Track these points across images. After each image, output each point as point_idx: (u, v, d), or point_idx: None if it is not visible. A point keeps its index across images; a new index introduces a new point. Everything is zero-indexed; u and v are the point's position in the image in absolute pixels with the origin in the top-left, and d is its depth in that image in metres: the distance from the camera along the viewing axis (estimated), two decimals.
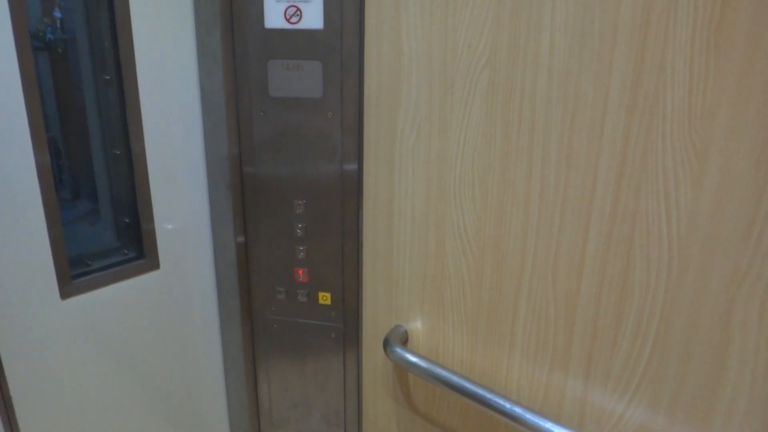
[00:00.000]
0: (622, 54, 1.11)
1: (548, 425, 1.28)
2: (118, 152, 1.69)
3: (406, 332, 1.62)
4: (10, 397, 1.50)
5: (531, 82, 1.23)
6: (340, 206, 1.61)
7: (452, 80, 1.34)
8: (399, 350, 1.52)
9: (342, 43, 1.49)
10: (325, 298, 1.73)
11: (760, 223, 1.04)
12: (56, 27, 1.62)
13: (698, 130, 1.06)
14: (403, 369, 1.62)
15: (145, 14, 1.53)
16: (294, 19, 1.51)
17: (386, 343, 1.55)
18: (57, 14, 1.61)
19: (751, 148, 1.02)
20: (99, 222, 1.81)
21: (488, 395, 1.37)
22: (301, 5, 1.50)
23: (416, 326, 1.60)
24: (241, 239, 1.73)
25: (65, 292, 1.55)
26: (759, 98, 1.01)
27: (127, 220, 1.76)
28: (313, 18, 1.50)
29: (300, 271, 1.72)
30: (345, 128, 1.54)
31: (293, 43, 1.52)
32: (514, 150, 1.28)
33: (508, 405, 1.34)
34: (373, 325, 1.70)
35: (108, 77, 1.63)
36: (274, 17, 1.53)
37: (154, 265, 1.73)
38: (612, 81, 1.13)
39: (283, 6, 1.51)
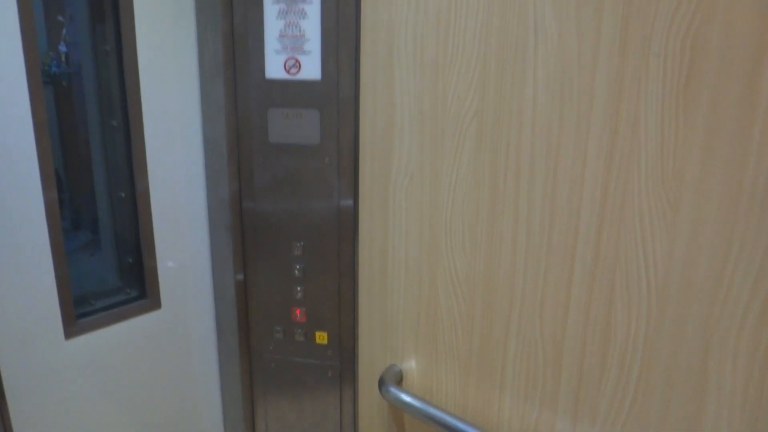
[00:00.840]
0: (599, 112, 1.19)
1: None
2: (123, 194, 1.76)
3: (401, 372, 1.66)
4: None
5: (516, 135, 1.30)
6: (337, 248, 1.67)
7: (442, 131, 1.42)
8: (394, 390, 1.57)
9: (339, 93, 1.57)
10: (322, 337, 1.78)
11: (731, 270, 1.10)
12: (61, 61, 1.67)
13: (671, 184, 1.13)
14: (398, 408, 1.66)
15: (152, 63, 1.61)
16: (293, 70, 1.60)
17: (381, 383, 1.59)
18: (62, 48, 1.67)
19: (720, 199, 1.09)
20: (102, 261, 1.86)
21: None
22: (300, 57, 1.59)
23: (411, 366, 1.65)
24: (240, 278, 1.79)
25: (69, 332, 1.60)
26: (725, 154, 1.08)
27: (130, 260, 1.81)
28: (311, 69, 1.58)
29: (298, 311, 1.77)
30: (341, 174, 1.61)
31: (292, 92, 1.60)
32: (502, 198, 1.35)
33: None
34: (369, 365, 1.75)
35: (115, 122, 1.71)
36: (274, 68, 1.61)
37: (156, 304, 1.78)
38: (590, 137, 1.20)
39: (283, 58, 1.60)
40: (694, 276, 1.14)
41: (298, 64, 1.58)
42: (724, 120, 1.08)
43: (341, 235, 1.65)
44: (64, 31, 1.65)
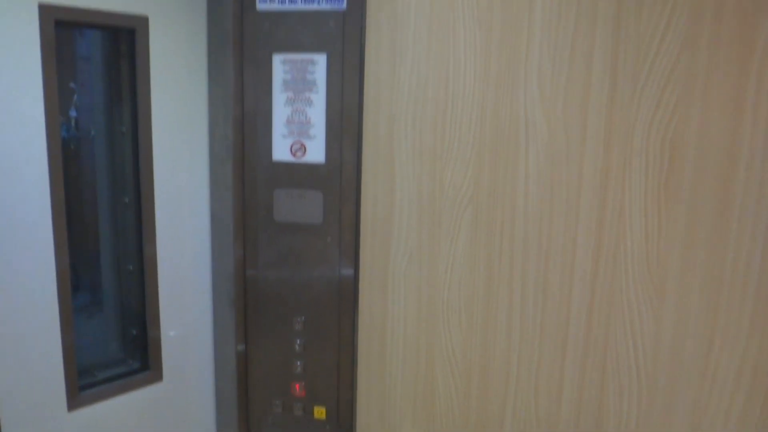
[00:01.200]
0: (587, 202, 1.27)
1: None
2: (131, 266, 1.82)
3: None
4: None
5: (509, 221, 1.38)
6: (337, 324, 1.72)
7: (440, 215, 1.49)
8: None
9: (341, 176, 1.65)
10: (320, 412, 1.80)
11: (716, 354, 1.15)
12: (71, 125, 1.74)
13: (656, 272, 1.20)
14: None
15: (166, 143, 1.70)
16: (299, 154, 1.69)
17: None
18: (72, 113, 1.74)
19: (703, 287, 1.15)
20: (106, 332, 1.90)
21: None
22: (305, 141, 1.68)
23: None
24: (241, 348, 1.82)
25: (73, 403, 1.62)
26: (706, 245, 1.15)
27: (134, 332, 1.85)
28: (316, 153, 1.67)
29: (297, 386, 1.80)
30: (343, 252, 1.68)
31: (297, 174, 1.69)
32: (496, 280, 1.41)
33: None
34: None
35: (127, 199, 1.79)
36: (281, 151, 1.70)
37: (158, 377, 1.81)
38: (579, 225, 1.28)
39: (289, 142, 1.69)
40: (681, 361, 1.19)
41: (303, 148, 1.68)
42: (704, 214, 1.15)
43: (341, 311, 1.70)
44: (75, 97, 1.74)
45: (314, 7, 1.63)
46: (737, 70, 1.14)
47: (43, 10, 1.48)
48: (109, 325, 1.90)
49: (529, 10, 1.35)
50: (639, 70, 1.23)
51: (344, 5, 1.61)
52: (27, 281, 1.49)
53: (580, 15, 1.29)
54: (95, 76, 1.76)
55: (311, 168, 1.68)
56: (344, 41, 1.62)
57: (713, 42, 1.16)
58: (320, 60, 1.64)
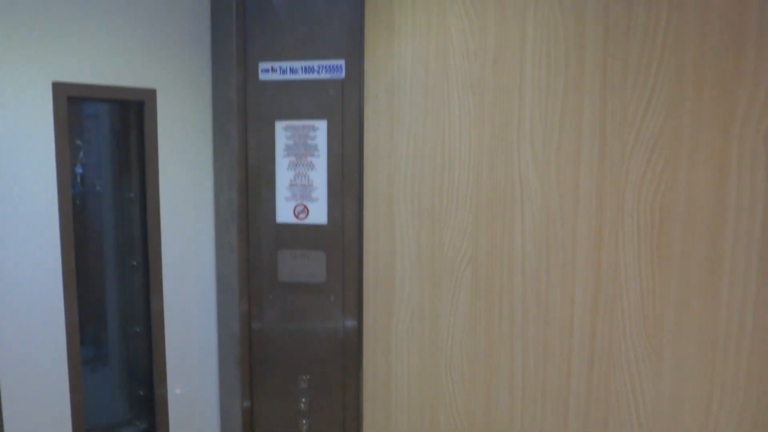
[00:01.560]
0: (582, 261, 1.31)
1: None
2: (138, 328, 1.85)
3: None
4: None
5: (508, 280, 1.42)
6: (342, 382, 1.74)
7: (440, 275, 1.53)
8: None
9: (343, 236, 1.70)
10: None
11: (715, 411, 1.18)
12: (77, 181, 1.78)
13: (653, 330, 1.23)
14: None
15: (172, 207, 1.76)
16: (302, 216, 1.74)
17: None
18: (78, 170, 1.78)
19: (698, 344, 1.18)
20: (113, 392, 1.92)
21: None
22: (308, 204, 1.73)
23: None
24: (247, 405, 1.83)
25: None
26: (698, 304, 1.18)
27: (141, 393, 1.87)
28: (318, 214, 1.73)
29: None
30: (346, 311, 1.71)
31: (301, 235, 1.74)
32: (497, 338, 1.44)
33: None
34: None
35: (135, 262, 1.83)
36: (284, 213, 1.75)
37: None
38: (576, 283, 1.32)
39: (292, 204, 1.75)
40: (682, 416, 1.21)
41: (306, 210, 1.73)
42: (696, 273, 1.19)
43: (346, 368, 1.72)
44: (81, 154, 1.80)
45: (314, 76, 1.71)
46: (720, 135, 1.20)
47: (57, 87, 1.55)
48: (116, 384, 1.92)
49: (520, 79, 1.42)
50: (626, 135, 1.29)
51: (343, 74, 1.68)
52: (36, 340, 1.52)
53: (568, 84, 1.36)
54: (104, 144, 1.83)
55: (314, 229, 1.73)
56: (344, 108, 1.69)
57: (696, 109, 1.22)
58: (321, 126, 1.71)
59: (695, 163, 1.22)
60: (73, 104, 1.63)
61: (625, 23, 1.30)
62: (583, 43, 1.35)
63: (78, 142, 1.81)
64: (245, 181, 1.77)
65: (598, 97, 1.32)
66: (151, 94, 1.72)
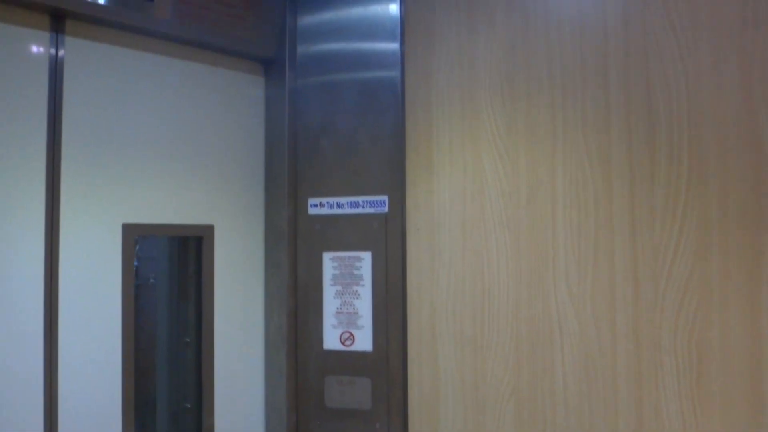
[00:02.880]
0: (624, 397, 1.34)
1: None
2: None
3: None
4: None
5: (551, 414, 1.45)
6: None
7: (483, 404, 1.57)
8: None
9: (388, 363, 1.76)
10: None
11: None
12: (139, 309, 1.88)
13: None
14: None
15: (225, 333, 1.86)
16: (348, 342, 1.82)
17: None
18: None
19: None
20: None
21: None
22: (354, 331, 1.81)
23: None
24: None
25: None
26: None
27: None
28: (364, 342, 1.80)
29: None
30: None
31: (347, 362, 1.81)
32: None
33: None
34: None
35: (189, 404, 1.91)
36: (331, 340, 1.84)
37: None
38: (619, 421, 1.34)
39: (338, 331, 1.83)
40: None
41: (352, 337, 1.81)
42: (737, 411, 1.21)
43: None
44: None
45: (359, 210, 1.84)
46: (749, 278, 1.26)
47: (126, 228, 1.71)
48: None
49: (552, 218, 1.52)
50: (658, 276, 1.35)
51: (386, 209, 1.81)
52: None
53: (599, 224, 1.45)
54: (164, 275, 1.97)
55: (360, 356, 1.80)
56: (387, 240, 1.80)
57: (723, 253, 1.29)
58: (366, 257, 1.82)
59: (727, 304, 1.27)
60: (140, 243, 1.78)
61: (649, 170, 1.40)
62: (611, 186, 1.45)
63: (150, 278, 1.95)
64: (294, 307, 1.88)
65: (629, 238, 1.41)
66: (210, 229, 1.87)
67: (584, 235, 1.47)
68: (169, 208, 1.80)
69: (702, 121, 1.34)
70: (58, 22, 1.61)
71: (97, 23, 1.65)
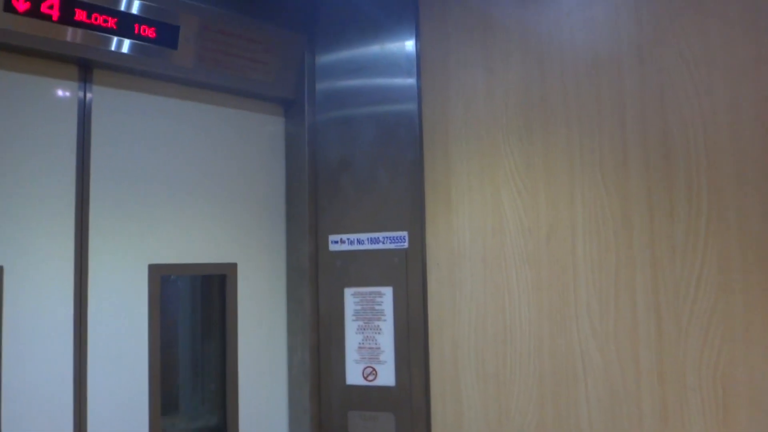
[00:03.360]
0: None
1: None
2: None
3: None
4: None
5: None
6: None
7: None
8: None
9: (411, 398, 1.77)
10: None
11: None
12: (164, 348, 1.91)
13: None
14: None
15: (249, 366, 1.88)
16: (370, 378, 1.83)
17: None
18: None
19: None
20: None
21: None
22: (376, 366, 1.83)
23: None
24: None
25: None
26: None
27: None
28: (386, 377, 1.81)
29: None
30: None
31: (370, 397, 1.82)
32: None
33: None
34: None
35: (214, 422, 1.93)
36: (353, 375, 1.85)
37: None
38: None
39: (361, 367, 1.84)
40: None
41: (374, 372, 1.82)
42: None
43: None
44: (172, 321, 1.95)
45: (379, 246, 1.86)
46: None
47: (152, 269, 1.75)
48: None
49: (572, 254, 1.53)
50: (681, 313, 1.36)
51: (406, 244, 1.83)
52: None
53: (619, 261, 1.46)
54: (187, 313, 2.00)
55: (383, 391, 1.81)
56: (407, 275, 1.82)
57: (745, 287, 1.29)
58: (387, 292, 1.84)
59: (751, 339, 1.27)
60: (165, 281, 1.82)
61: (668, 205, 1.41)
62: (630, 222, 1.46)
63: (174, 316, 1.99)
64: (317, 343, 1.90)
65: (650, 274, 1.41)
66: (233, 267, 1.91)
67: (605, 270, 1.48)
68: (193, 247, 1.83)
69: (719, 156, 1.36)
70: (86, 72, 1.67)
71: (122, 71, 1.71)
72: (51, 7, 1.50)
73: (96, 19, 1.58)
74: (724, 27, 1.37)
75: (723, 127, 1.36)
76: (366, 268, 1.88)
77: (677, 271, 1.38)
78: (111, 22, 1.60)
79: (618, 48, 1.51)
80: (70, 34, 1.55)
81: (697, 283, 1.35)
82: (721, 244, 1.34)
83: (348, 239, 1.91)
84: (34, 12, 1.48)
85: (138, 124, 1.75)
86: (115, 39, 1.62)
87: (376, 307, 1.86)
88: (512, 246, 1.64)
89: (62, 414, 1.56)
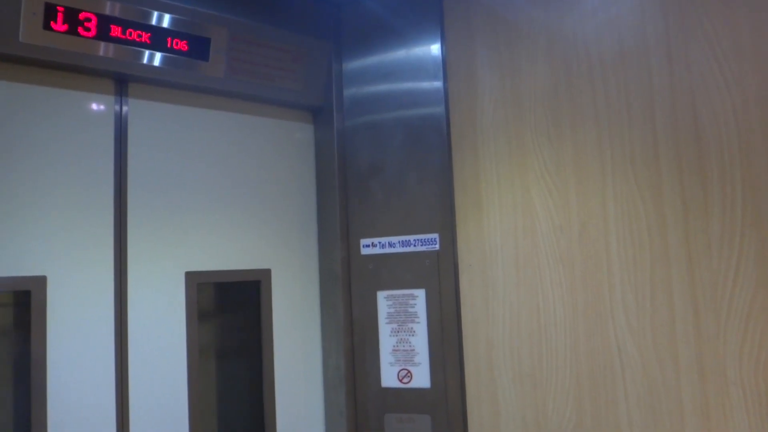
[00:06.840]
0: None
1: None
2: None
3: None
4: None
5: None
6: None
7: None
8: None
9: (447, 400, 1.78)
10: None
11: None
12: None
13: None
14: None
15: (284, 374, 1.90)
16: (406, 380, 1.84)
17: None
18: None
19: None
20: None
21: None
22: (411, 368, 1.84)
23: None
24: None
25: None
26: None
27: None
28: (421, 379, 1.82)
29: None
30: None
31: (405, 399, 1.83)
32: None
33: None
34: None
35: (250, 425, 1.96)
36: (389, 378, 1.86)
37: None
38: None
39: (396, 369, 1.86)
40: None
41: (409, 375, 1.83)
42: None
43: None
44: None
45: (411, 249, 1.88)
46: None
47: (189, 276, 1.79)
48: None
49: (606, 252, 1.53)
50: (719, 307, 1.35)
51: (438, 246, 1.85)
52: None
53: (654, 257, 1.46)
54: (222, 319, 2.03)
55: (418, 393, 1.82)
56: (440, 277, 1.83)
57: None
58: (420, 294, 1.85)
59: None
60: (201, 288, 1.85)
61: (702, 200, 1.40)
62: (664, 219, 1.46)
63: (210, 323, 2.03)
64: (351, 347, 1.91)
65: (686, 269, 1.41)
66: (267, 273, 1.94)
67: (640, 267, 1.48)
68: (227, 253, 1.87)
69: (752, 149, 1.35)
70: (121, 86, 1.72)
71: (157, 84, 1.76)
72: (88, 23, 1.55)
73: (131, 34, 1.63)
74: (752, 16, 1.36)
75: (754, 119, 1.36)
76: (398, 271, 1.90)
77: (714, 265, 1.37)
78: (145, 37, 1.65)
79: (645, 44, 1.51)
80: (106, 49, 1.60)
81: (735, 276, 1.34)
82: (758, 235, 1.32)
83: (379, 243, 1.93)
84: (72, 29, 1.53)
85: (172, 135, 1.80)
86: (148, 53, 1.67)
87: (410, 310, 1.87)
88: (544, 245, 1.65)
89: (105, 420, 1.59)
